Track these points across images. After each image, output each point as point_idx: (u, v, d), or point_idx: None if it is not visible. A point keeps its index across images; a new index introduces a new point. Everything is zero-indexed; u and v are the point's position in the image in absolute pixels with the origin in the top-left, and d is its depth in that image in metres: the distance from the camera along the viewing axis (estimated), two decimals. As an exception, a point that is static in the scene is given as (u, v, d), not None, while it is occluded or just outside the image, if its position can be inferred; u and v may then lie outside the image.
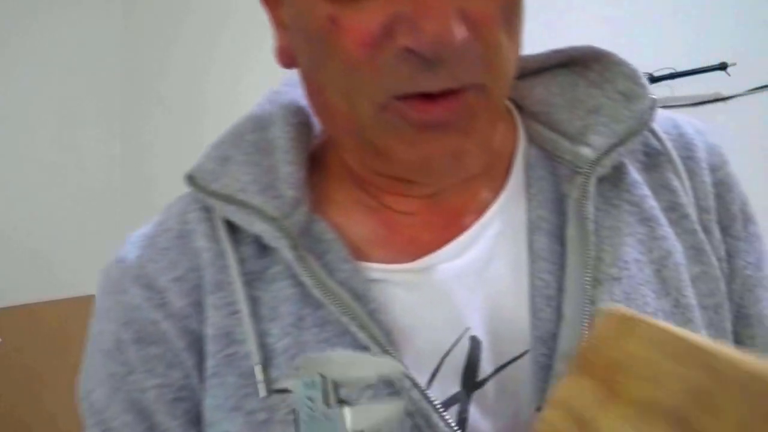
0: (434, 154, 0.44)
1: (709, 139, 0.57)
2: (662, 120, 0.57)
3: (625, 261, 0.49)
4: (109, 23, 2.35)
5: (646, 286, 0.49)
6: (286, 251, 0.47)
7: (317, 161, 0.56)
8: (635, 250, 0.50)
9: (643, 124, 0.51)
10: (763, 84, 1.53)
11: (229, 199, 0.50)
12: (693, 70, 1.56)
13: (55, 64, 2.26)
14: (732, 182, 0.56)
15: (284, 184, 0.50)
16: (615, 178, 0.52)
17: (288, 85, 0.57)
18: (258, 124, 0.55)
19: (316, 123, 0.57)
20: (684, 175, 0.53)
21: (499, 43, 0.43)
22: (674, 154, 0.54)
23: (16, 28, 2.19)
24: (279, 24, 0.50)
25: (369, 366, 0.31)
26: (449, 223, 0.51)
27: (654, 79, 1.59)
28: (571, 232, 0.49)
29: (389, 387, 0.43)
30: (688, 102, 1.57)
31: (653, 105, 0.52)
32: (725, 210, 0.55)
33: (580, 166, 0.51)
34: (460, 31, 0.40)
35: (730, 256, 0.54)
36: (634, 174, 0.53)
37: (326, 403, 0.29)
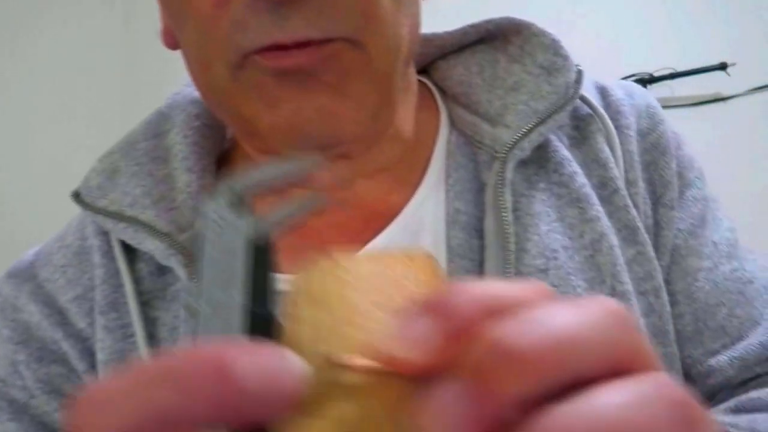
0: (300, 114, 0.40)
1: (640, 100, 0.52)
2: (590, 86, 0.52)
3: (553, 250, 0.45)
4: (109, 23, 2.35)
5: (577, 276, 0.45)
6: (179, 269, 0.43)
7: (226, 165, 0.51)
8: (564, 237, 0.46)
9: (568, 99, 0.47)
10: (763, 84, 1.53)
11: (118, 216, 0.45)
12: (693, 70, 1.56)
13: (55, 64, 2.26)
14: (666, 144, 0.51)
15: (181, 195, 0.46)
16: (541, 158, 0.48)
17: (191, 85, 0.51)
18: (154, 129, 0.50)
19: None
20: (616, 143, 0.49)
21: None
22: (607, 121, 0.49)
23: (15, 28, 2.19)
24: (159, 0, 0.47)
25: (284, 167, 0.28)
26: (363, 223, 0.47)
27: (654, 79, 1.59)
28: (489, 223, 0.45)
29: None
30: (688, 102, 1.57)
31: (579, 78, 0.48)
32: (659, 176, 0.50)
33: (498, 151, 0.46)
34: None
35: (661, 228, 0.49)
36: (563, 151, 0.48)
37: (235, 212, 0.26)
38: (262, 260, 0.25)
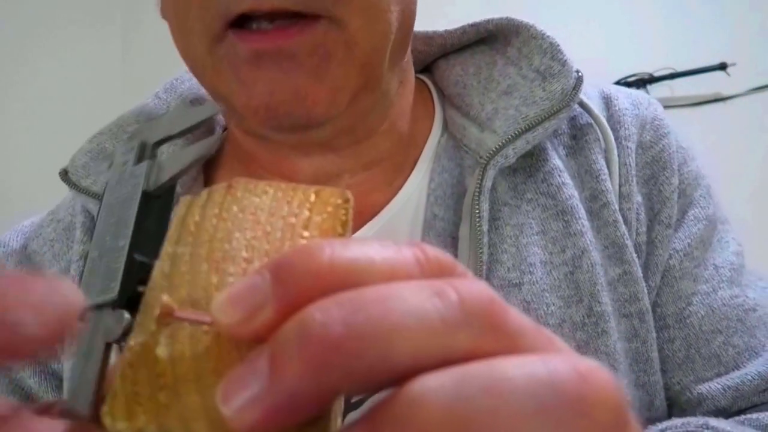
0: (274, 96, 0.38)
1: (646, 111, 0.50)
2: (593, 94, 0.50)
3: (530, 264, 0.43)
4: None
5: (552, 293, 0.43)
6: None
7: (218, 152, 0.51)
8: (545, 251, 0.44)
9: (563, 105, 0.44)
10: (763, 84, 1.53)
11: (98, 197, 0.45)
12: (693, 70, 1.56)
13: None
14: (669, 159, 0.48)
15: None
16: (531, 167, 0.46)
17: (189, 72, 0.52)
18: (147, 114, 0.50)
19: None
20: (614, 154, 0.47)
21: None
22: (607, 131, 0.47)
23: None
24: None
25: (189, 115, 0.27)
26: None
27: (654, 79, 1.59)
28: (464, 231, 0.44)
29: None
30: (688, 102, 1.57)
31: (577, 85, 0.45)
32: (657, 192, 0.47)
33: (481, 156, 0.45)
34: None
35: (655, 246, 0.47)
36: (555, 160, 0.46)
37: (137, 161, 0.26)
38: (155, 208, 0.24)
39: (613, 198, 0.46)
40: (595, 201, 0.46)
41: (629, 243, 0.45)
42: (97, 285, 0.23)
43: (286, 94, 0.38)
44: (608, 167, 0.47)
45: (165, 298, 0.18)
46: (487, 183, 0.43)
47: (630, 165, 0.47)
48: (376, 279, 0.17)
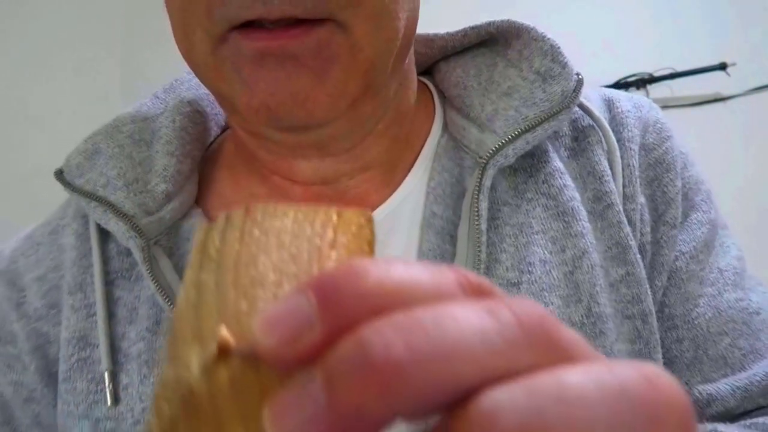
0: (274, 97, 0.38)
1: (648, 114, 0.51)
2: (594, 96, 0.51)
3: (530, 263, 0.44)
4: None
5: (552, 292, 0.43)
6: (135, 251, 0.44)
7: (217, 151, 0.52)
8: (545, 250, 0.44)
9: (563, 107, 0.45)
10: (763, 84, 1.53)
11: (91, 196, 0.46)
12: (693, 70, 1.56)
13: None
14: (672, 161, 0.49)
15: (157, 178, 0.46)
16: (532, 167, 0.47)
17: (191, 72, 0.50)
18: (145, 114, 0.51)
19: (220, 112, 0.54)
20: (617, 156, 0.47)
21: None
22: (609, 133, 0.48)
23: (14, 32, 2.19)
24: None
25: None
26: None
27: (654, 79, 1.59)
28: (463, 230, 0.44)
29: None
30: (688, 102, 1.57)
31: (577, 86, 0.46)
32: (661, 193, 0.48)
33: (481, 156, 0.45)
34: None
35: (660, 246, 0.47)
36: (557, 162, 0.47)
37: None
38: None
39: (617, 199, 0.46)
40: (598, 202, 0.46)
41: (633, 244, 0.45)
42: None
43: (287, 95, 0.39)
44: (611, 168, 0.47)
45: (224, 331, 0.17)
46: (487, 182, 0.44)
47: (633, 166, 0.47)
48: (422, 301, 0.16)
